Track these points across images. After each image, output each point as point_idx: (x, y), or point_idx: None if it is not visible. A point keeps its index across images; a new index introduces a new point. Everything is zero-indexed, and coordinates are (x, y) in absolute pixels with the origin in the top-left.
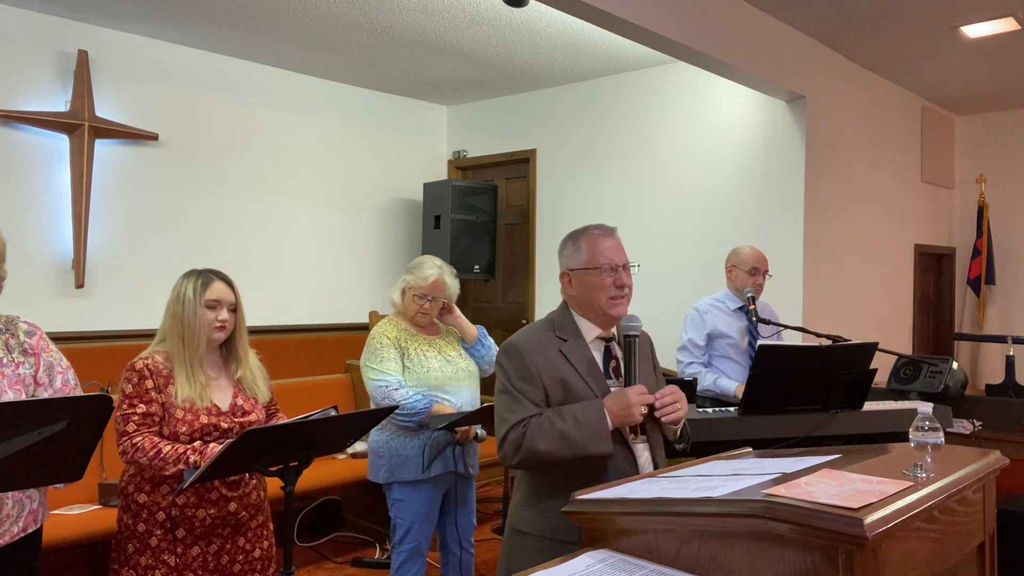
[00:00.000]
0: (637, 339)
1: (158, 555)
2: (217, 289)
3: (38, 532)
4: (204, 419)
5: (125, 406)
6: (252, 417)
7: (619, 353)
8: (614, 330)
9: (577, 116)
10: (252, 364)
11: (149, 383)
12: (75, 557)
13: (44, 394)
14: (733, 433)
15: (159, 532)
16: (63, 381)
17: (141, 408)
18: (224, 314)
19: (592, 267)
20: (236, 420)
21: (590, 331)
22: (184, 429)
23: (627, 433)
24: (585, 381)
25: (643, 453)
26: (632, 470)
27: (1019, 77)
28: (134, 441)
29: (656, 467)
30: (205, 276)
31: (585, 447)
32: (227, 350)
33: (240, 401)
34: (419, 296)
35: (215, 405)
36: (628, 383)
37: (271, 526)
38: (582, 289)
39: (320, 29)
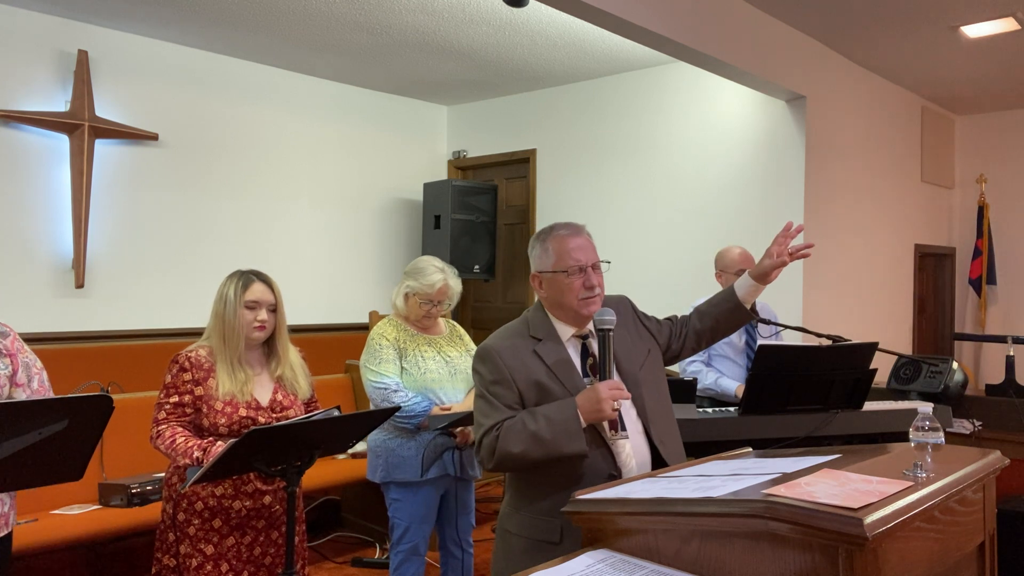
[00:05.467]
0: (612, 333)
1: (196, 544)
2: (256, 291)
3: (9, 536)
4: (243, 412)
5: (161, 396)
6: (291, 412)
7: (595, 350)
8: (590, 326)
9: (577, 116)
10: (293, 362)
11: (187, 375)
12: (75, 557)
13: (22, 395)
14: (733, 433)
15: (197, 522)
16: (39, 382)
17: (174, 399)
18: (263, 314)
19: (560, 269)
20: (274, 415)
21: (565, 330)
22: (223, 421)
23: (604, 430)
24: (560, 381)
25: (624, 448)
26: (612, 468)
27: (1019, 77)
28: (159, 429)
29: (664, 461)
30: (246, 277)
31: (558, 447)
32: (268, 348)
33: (280, 397)
34: (425, 302)
35: (255, 399)
36: (603, 379)
37: (304, 523)
38: (552, 291)
39: (320, 29)
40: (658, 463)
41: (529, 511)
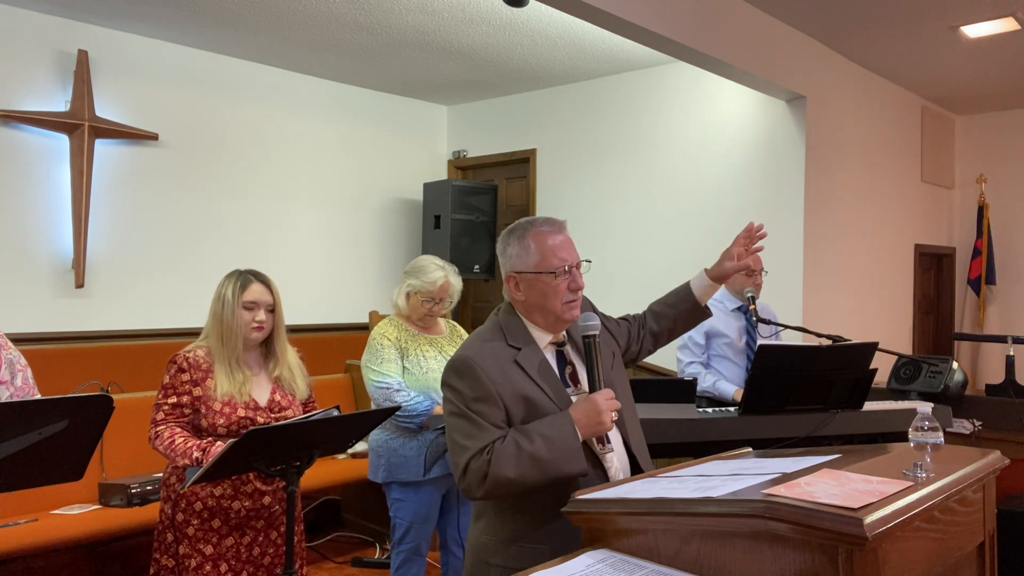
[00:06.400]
0: (597, 338)
1: (194, 544)
2: (254, 291)
3: None
4: (241, 412)
5: (160, 396)
6: (289, 412)
7: (575, 358)
8: (563, 334)
9: (577, 116)
10: (291, 362)
11: (185, 376)
12: (75, 557)
13: (5, 392)
14: (733, 433)
15: (196, 522)
16: (23, 379)
17: (172, 399)
18: (261, 315)
19: (545, 270)
20: (273, 415)
21: (542, 337)
22: (222, 421)
23: (593, 444)
24: (547, 394)
25: (612, 463)
26: (602, 483)
27: (1019, 77)
28: (157, 430)
29: (640, 468)
30: (244, 278)
31: (558, 467)
32: (266, 348)
33: (278, 397)
34: (427, 300)
35: (253, 399)
36: (593, 388)
37: (303, 522)
38: (533, 294)
39: (320, 29)
40: (635, 472)
41: (514, 539)
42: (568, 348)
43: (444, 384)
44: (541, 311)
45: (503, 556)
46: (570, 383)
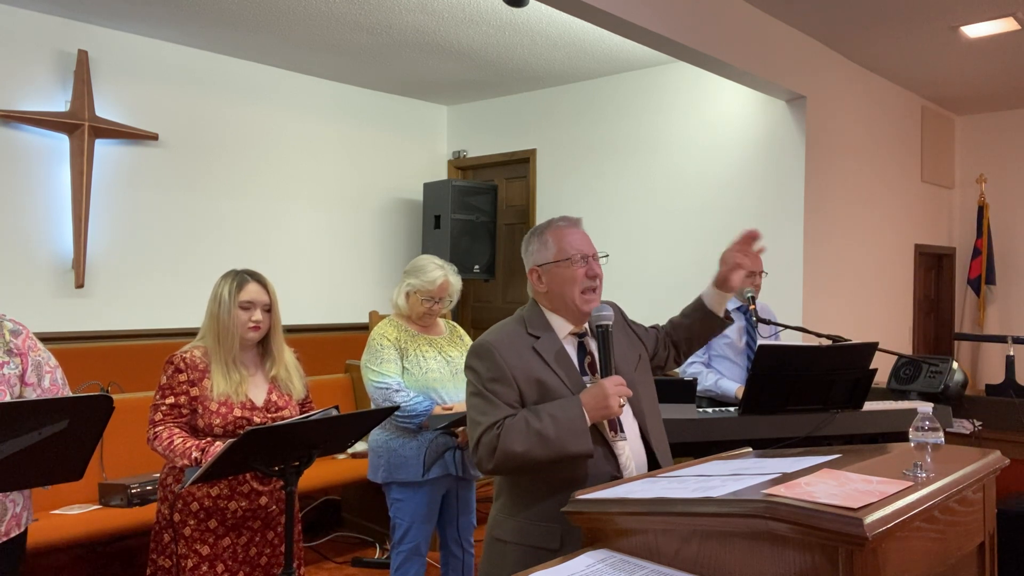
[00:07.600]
0: (610, 328)
1: (191, 544)
2: (251, 291)
3: (22, 536)
4: (238, 412)
5: (157, 397)
6: (285, 412)
7: (594, 349)
8: (585, 325)
9: (577, 116)
10: (288, 362)
11: (183, 376)
12: (75, 557)
13: (32, 394)
14: (733, 433)
15: (193, 522)
16: (51, 381)
17: (170, 400)
18: (258, 315)
19: (562, 259)
20: (269, 415)
21: (562, 327)
22: (218, 421)
23: (606, 430)
24: (561, 379)
25: (624, 450)
26: (614, 470)
27: (1019, 77)
28: (156, 430)
29: (659, 464)
30: (240, 277)
31: (563, 446)
32: (263, 348)
33: (274, 397)
34: (427, 299)
35: (250, 400)
36: (605, 375)
37: (300, 523)
38: (553, 284)
39: (320, 29)
40: (653, 467)
41: (527, 516)
42: (588, 339)
43: (466, 367)
44: (561, 300)
45: (513, 531)
46: (588, 372)
